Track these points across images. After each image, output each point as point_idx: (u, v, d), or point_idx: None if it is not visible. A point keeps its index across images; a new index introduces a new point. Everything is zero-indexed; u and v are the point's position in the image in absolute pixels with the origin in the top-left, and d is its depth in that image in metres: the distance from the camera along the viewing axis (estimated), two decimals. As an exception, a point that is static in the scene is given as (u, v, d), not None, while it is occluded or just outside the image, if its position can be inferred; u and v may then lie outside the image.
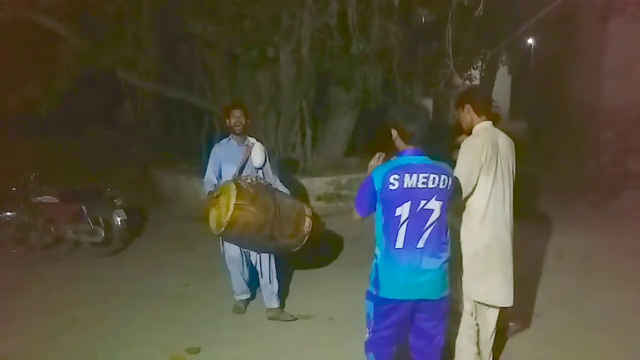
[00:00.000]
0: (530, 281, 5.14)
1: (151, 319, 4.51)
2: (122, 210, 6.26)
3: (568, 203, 8.08)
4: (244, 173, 4.45)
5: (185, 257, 6.21)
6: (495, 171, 3.05)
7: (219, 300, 4.83)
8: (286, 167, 8.36)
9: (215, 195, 4.17)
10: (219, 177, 4.52)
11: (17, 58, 8.14)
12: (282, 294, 4.72)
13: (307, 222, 4.34)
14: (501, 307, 3.30)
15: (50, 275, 5.65)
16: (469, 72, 14.01)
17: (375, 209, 2.68)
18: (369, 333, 2.77)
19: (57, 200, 6.31)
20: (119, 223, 6.17)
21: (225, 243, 4.50)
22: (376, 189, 2.60)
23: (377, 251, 2.70)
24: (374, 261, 2.72)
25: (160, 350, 3.93)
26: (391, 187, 2.56)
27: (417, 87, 9.86)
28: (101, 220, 6.22)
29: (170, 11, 7.92)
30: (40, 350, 4.00)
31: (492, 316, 3.33)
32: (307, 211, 4.42)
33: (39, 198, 6.33)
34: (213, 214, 4.21)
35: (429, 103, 18.79)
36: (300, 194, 7.58)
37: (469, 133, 3.24)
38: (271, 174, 4.73)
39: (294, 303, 4.76)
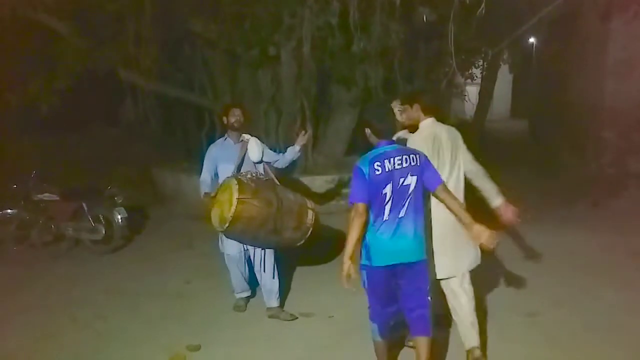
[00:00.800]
0: (529, 280, 5.13)
1: (152, 317, 4.51)
2: (122, 208, 6.26)
3: (568, 202, 8.07)
4: (243, 170, 4.44)
5: (186, 256, 6.21)
6: (439, 160, 3.46)
7: (220, 299, 4.84)
8: (287, 166, 8.37)
9: (213, 195, 4.19)
10: (215, 177, 4.53)
11: (18, 56, 8.15)
12: (283, 293, 4.71)
13: (310, 214, 4.33)
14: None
15: (51, 273, 5.66)
16: (470, 71, 13.99)
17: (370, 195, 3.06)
18: (369, 303, 3.22)
19: (57, 198, 6.32)
20: (120, 221, 6.18)
21: (225, 241, 4.48)
22: (366, 175, 3.04)
23: (368, 231, 3.10)
24: (365, 236, 3.10)
25: (160, 348, 3.93)
26: (376, 172, 3.04)
27: (418, 85, 9.83)
28: (102, 218, 6.23)
29: (171, 10, 7.92)
30: (40, 349, 4.00)
31: (456, 285, 3.58)
32: (310, 204, 4.41)
33: (39, 196, 6.34)
34: (215, 212, 4.19)
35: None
36: (301, 192, 7.59)
37: (414, 128, 3.64)
38: (276, 155, 4.78)
39: (295, 301, 4.76)
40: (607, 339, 3.93)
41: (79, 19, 7.84)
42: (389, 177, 3.04)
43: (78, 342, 4.10)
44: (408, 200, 3.08)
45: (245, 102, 8.54)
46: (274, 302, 4.50)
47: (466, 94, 16.58)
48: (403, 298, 3.21)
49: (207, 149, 4.69)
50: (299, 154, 4.80)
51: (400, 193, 3.06)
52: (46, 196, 6.33)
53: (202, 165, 4.62)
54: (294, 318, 4.42)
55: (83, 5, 7.64)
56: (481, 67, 14.64)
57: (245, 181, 4.06)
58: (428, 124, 3.62)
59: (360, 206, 3.04)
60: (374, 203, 3.06)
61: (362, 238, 3.11)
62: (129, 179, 8.93)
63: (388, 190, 3.04)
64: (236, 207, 3.88)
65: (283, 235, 4.22)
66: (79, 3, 7.56)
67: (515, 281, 5.11)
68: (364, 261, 3.17)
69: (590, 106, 8.83)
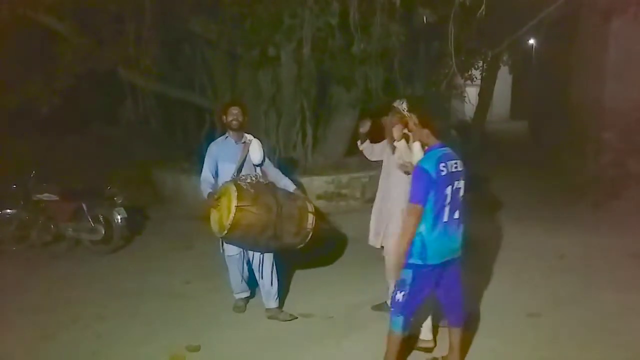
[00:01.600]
0: (529, 281, 5.14)
1: (151, 318, 4.51)
2: (122, 209, 6.25)
3: (569, 203, 8.08)
4: (243, 171, 4.41)
5: (186, 256, 6.21)
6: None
7: (219, 299, 4.83)
8: (287, 166, 8.36)
9: (215, 198, 4.15)
10: (216, 175, 4.48)
11: (18, 56, 8.15)
12: (282, 293, 4.70)
13: (310, 218, 4.31)
14: None
15: (50, 273, 5.65)
16: (470, 72, 14.02)
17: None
18: (404, 296, 3.25)
19: (57, 198, 6.31)
20: (119, 221, 6.17)
21: (225, 242, 4.47)
22: (433, 175, 3.12)
23: (423, 227, 3.18)
24: (419, 237, 3.18)
25: (160, 348, 3.93)
26: (442, 173, 3.15)
27: (419, 86, 9.85)
28: (101, 218, 6.22)
29: (171, 10, 7.91)
30: (40, 349, 4.00)
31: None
32: (310, 207, 4.38)
33: (39, 196, 6.33)
34: (214, 216, 4.17)
35: (430, 103, 18.81)
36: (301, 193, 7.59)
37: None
38: (273, 169, 4.70)
39: (294, 301, 4.76)
40: (607, 340, 3.94)
41: (79, 18, 7.83)
42: (450, 179, 3.19)
43: (78, 342, 4.09)
44: (459, 202, 3.27)
45: (245, 102, 8.57)
46: (273, 303, 4.50)
47: (466, 95, 16.61)
48: (444, 291, 3.39)
49: (207, 147, 4.61)
50: (291, 190, 4.55)
51: (455, 195, 3.22)
52: (46, 196, 6.32)
53: (202, 163, 4.55)
54: (293, 318, 4.42)
55: (83, 5, 7.63)
56: (481, 68, 14.67)
57: (245, 187, 4.03)
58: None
59: (420, 208, 3.14)
60: (436, 203, 3.16)
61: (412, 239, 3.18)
62: (128, 179, 8.92)
63: (448, 191, 3.18)
64: (235, 214, 3.86)
65: (283, 240, 4.22)
66: (79, 3, 7.55)
67: (516, 281, 5.11)
68: (414, 260, 3.21)
69: (591, 107, 8.83)
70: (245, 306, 4.68)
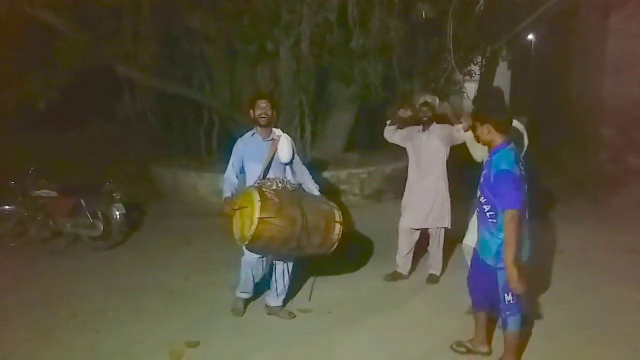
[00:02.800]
0: (528, 275, 5.13)
1: (150, 313, 4.51)
2: (120, 205, 6.25)
3: (568, 199, 8.07)
4: (271, 171, 4.17)
5: (184, 252, 6.21)
6: None
7: (218, 294, 4.83)
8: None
9: (236, 207, 3.91)
10: (241, 173, 4.22)
11: (15, 52, 8.11)
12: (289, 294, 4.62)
13: (337, 228, 4.04)
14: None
15: (49, 269, 5.65)
16: (469, 68, 13.98)
17: None
18: (514, 297, 3.24)
19: (55, 194, 6.31)
20: (118, 217, 6.17)
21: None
22: (519, 177, 3.11)
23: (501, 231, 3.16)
24: (499, 239, 3.17)
25: (159, 344, 3.93)
26: (522, 172, 3.17)
27: (417, 82, 9.83)
28: (100, 214, 6.21)
29: (169, 5, 7.88)
30: (38, 344, 4.00)
31: None
32: (337, 216, 4.09)
33: (37, 192, 6.33)
34: (236, 222, 3.96)
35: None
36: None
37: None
38: (301, 167, 4.42)
39: (293, 298, 4.75)
40: (605, 335, 3.94)
41: (77, 14, 7.80)
42: (523, 178, 3.18)
43: (76, 337, 4.10)
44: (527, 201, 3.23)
45: (243, 98, 8.55)
46: (277, 302, 4.41)
47: (465, 90, 16.55)
48: None
49: (234, 143, 4.31)
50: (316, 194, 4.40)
51: (526, 196, 3.21)
52: (44, 192, 6.32)
53: (231, 161, 4.25)
54: (293, 317, 4.38)
55: (80, 1, 7.60)
56: (480, 64, 14.63)
57: (269, 196, 3.78)
58: None
59: (516, 213, 3.08)
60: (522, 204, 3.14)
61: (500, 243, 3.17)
62: (127, 175, 8.92)
63: (526, 190, 3.17)
64: (257, 226, 3.66)
65: (306, 251, 4.02)
66: (77, -1, 7.53)
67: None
68: (496, 262, 3.25)
69: (589, 103, 8.84)
70: (245, 309, 4.48)
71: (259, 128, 4.24)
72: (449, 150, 4.86)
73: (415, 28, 8.61)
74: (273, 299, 4.43)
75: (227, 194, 4.12)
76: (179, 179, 8.56)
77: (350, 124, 9.12)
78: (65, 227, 6.32)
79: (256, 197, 3.72)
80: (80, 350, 3.91)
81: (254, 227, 3.66)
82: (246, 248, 4.04)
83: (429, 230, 5.00)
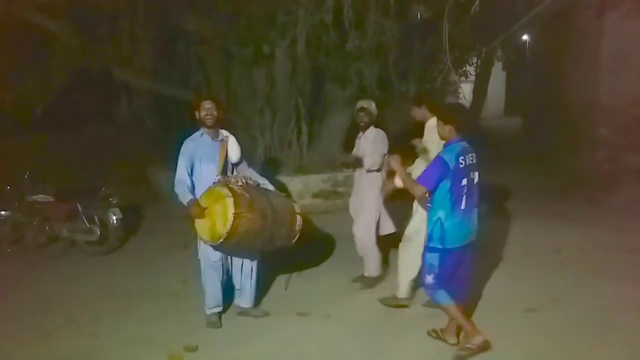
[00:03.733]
0: (526, 276, 5.15)
1: (148, 317, 4.49)
2: (117, 209, 6.22)
3: (564, 199, 8.10)
4: (226, 172, 4.20)
5: (182, 255, 6.15)
6: None
7: (216, 298, 4.80)
8: (282, 164, 8.35)
9: (204, 206, 3.90)
10: (191, 175, 4.15)
11: (11, 55, 8.08)
12: (272, 292, 4.70)
13: (299, 220, 4.24)
14: None
15: (46, 274, 5.61)
16: (464, 69, 14.02)
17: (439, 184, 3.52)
18: (434, 277, 3.63)
19: (52, 199, 6.28)
20: (115, 221, 6.14)
21: (205, 248, 4.17)
22: (450, 167, 3.47)
23: (441, 214, 3.55)
24: (437, 222, 3.56)
25: (157, 348, 3.91)
26: (461, 165, 3.50)
27: (413, 83, 9.84)
28: (96, 219, 6.18)
29: (165, 8, 7.88)
30: (35, 350, 3.97)
31: None
32: (297, 208, 4.31)
33: (33, 197, 6.29)
34: (204, 223, 3.91)
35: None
36: (296, 191, 7.57)
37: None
38: (247, 167, 4.45)
39: (291, 300, 4.75)
40: (603, 334, 3.95)
41: (73, 17, 7.78)
42: (467, 170, 3.54)
43: (74, 342, 4.07)
44: (474, 191, 3.63)
45: (240, 100, 8.55)
46: (248, 304, 4.44)
47: (461, 91, 16.59)
48: (460, 270, 3.68)
49: (180, 144, 4.25)
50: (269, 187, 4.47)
51: (470, 185, 3.57)
52: (40, 197, 6.28)
53: (177, 161, 4.20)
54: (265, 315, 4.41)
55: (76, 4, 7.58)
56: (475, 64, 14.68)
57: (239, 191, 3.81)
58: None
59: (426, 191, 3.54)
60: (454, 192, 3.51)
61: (430, 224, 3.60)
62: (124, 178, 8.88)
63: (465, 182, 3.52)
64: (233, 222, 3.66)
65: (275, 243, 4.15)
66: (72, 2, 7.51)
67: (512, 277, 5.12)
68: (435, 244, 3.59)
69: (585, 103, 8.86)
70: (221, 320, 4.35)
71: (206, 129, 4.25)
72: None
73: (411, 29, 8.63)
74: (244, 300, 4.43)
75: (189, 196, 4.03)
76: (176, 182, 8.51)
77: (347, 125, 9.11)
78: (62, 232, 6.28)
79: (227, 192, 3.75)
80: (77, 355, 3.88)
81: (229, 223, 3.65)
82: (219, 246, 3.95)
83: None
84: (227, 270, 4.35)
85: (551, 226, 6.80)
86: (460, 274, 3.68)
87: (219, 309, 4.37)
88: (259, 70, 8.37)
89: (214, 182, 4.07)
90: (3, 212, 6.41)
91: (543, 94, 11.97)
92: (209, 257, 4.19)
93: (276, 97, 8.46)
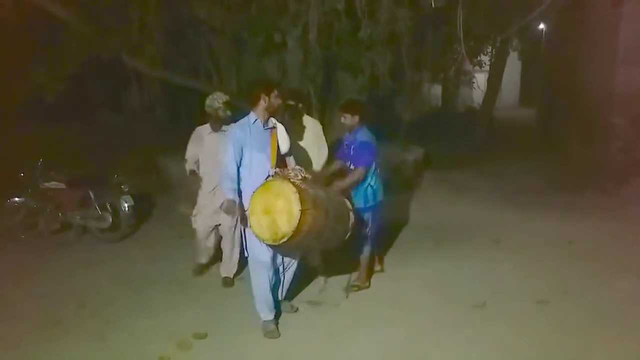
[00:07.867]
0: (538, 268, 5.11)
1: (158, 305, 4.52)
2: (129, 196, 6.27)
3: (578, 190, 8.01)
4: (279, 162, 3.85)
5: (192, 243, 6.20)
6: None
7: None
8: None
9: (258, 206, 3.52)
10: (239, 166, 3.76)
11: (22, 44, 8.13)
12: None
13: (352, 216, 3.95)
14: None
15: (58, 261, 5.68)
16: (478, 58, 13.85)
17: None
18: (370, 229, 4.65)
19: (64, 186, 6.32)
20: (126, 209, 6.19)
21: (256, 246, 3.78)
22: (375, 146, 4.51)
23: (372, 181, 4.54)
24: (368, 187, 4.53)
25: (167, 335, 3.95)
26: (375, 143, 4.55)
27: (426, 72, 9.75)
28: (108, 206, 6.23)
29: (176, -4, 7.86)
30: (48, 335, 4.02)
31: None
32: (349, 205, 4.05)
33: (46, 184, 6.34)
34: (262, 220, 3.52)
35: (438, 89, 18.60)
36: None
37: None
38: (293, 159, 4.08)
39: (301, 289, 4.74)
40: (615, 327, 3.91)
41: (83, 5, 7.78)
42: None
43: (86, 328, 4.12)
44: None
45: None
46: (281, 296, 4.35)
47: (475, 81, 16.41)
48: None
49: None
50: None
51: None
52: (53, 184, 6.34)
53: (231, 151, 3.73)
54: (294, 311, 4.34)
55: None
56: (490, 53, 14.48)
57: (302, 187, 3.48)
58: None
59: (363, 172, 4.41)
60: (376, 167, 4.59)
61: (361, 190, 4.51)
62: (134, 166, 8.92)
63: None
64: (300, 219, 3.35)
65: (332, 242, 3.88)
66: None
67: (524, 268, 5.08)
68: (371, 203, 4.57)
69: (601, 93, 8.71)
70: (278, 329, 3.98)
71: (265, 115, 3.84)
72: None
73: (424, 17, 8.51)
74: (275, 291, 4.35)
75: (235, 197, 3.72)
76: (186, 170, 8.53)
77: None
78: (74, 219, 6.34)
79: (289, 187, 3.43)
80: (89, 341, 3.93)
81: (294, 221, 3.35)
82: (278, 246, 3.58)
83: None
84: (277, 271, 4.04)
85: (564, 217, 6.73)
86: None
87: (273, 314, 4.01)
88: (270, 59, 8.32)
89: (269, 175, 3.72)
90: (17, 199, 6.47)
91: (558, 84, 11.78)
92: (259, 255, 3.82)
93: (287, 86, 8.42)
